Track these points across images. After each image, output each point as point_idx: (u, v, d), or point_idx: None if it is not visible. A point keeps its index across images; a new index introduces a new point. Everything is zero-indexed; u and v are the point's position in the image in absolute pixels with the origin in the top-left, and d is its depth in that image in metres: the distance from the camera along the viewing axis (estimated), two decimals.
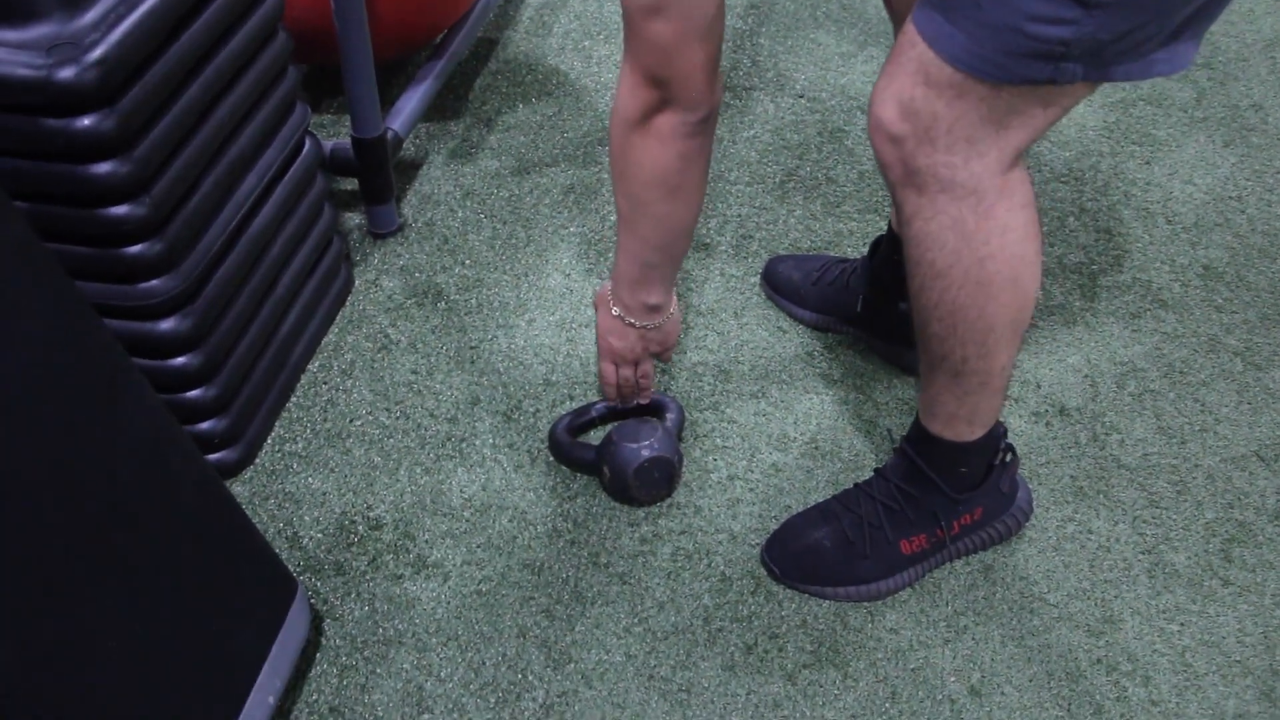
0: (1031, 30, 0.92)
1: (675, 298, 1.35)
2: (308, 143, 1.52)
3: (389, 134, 1.70)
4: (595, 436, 1.47)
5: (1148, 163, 1.90)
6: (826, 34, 2.18)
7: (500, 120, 1.97)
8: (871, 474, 1.34)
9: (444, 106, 2.00)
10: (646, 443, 1.36)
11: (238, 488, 1.40)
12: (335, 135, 1.93)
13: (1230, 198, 1.84)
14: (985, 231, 1.05)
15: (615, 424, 1.43)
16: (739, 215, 1.79)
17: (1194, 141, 1.95)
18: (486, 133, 1.94)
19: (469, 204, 1.80)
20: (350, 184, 1.83)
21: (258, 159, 1.42)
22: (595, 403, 1.48)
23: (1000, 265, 1.06)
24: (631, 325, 1.32)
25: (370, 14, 1.74)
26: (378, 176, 1.70)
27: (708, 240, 1.74)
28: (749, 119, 1.97)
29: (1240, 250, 1.75)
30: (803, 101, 2.01)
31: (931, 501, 1.27)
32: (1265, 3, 2.27)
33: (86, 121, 1.12)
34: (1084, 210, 1.81)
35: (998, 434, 1.25)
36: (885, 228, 1.51)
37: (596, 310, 1.36)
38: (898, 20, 1.33)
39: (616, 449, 1.36)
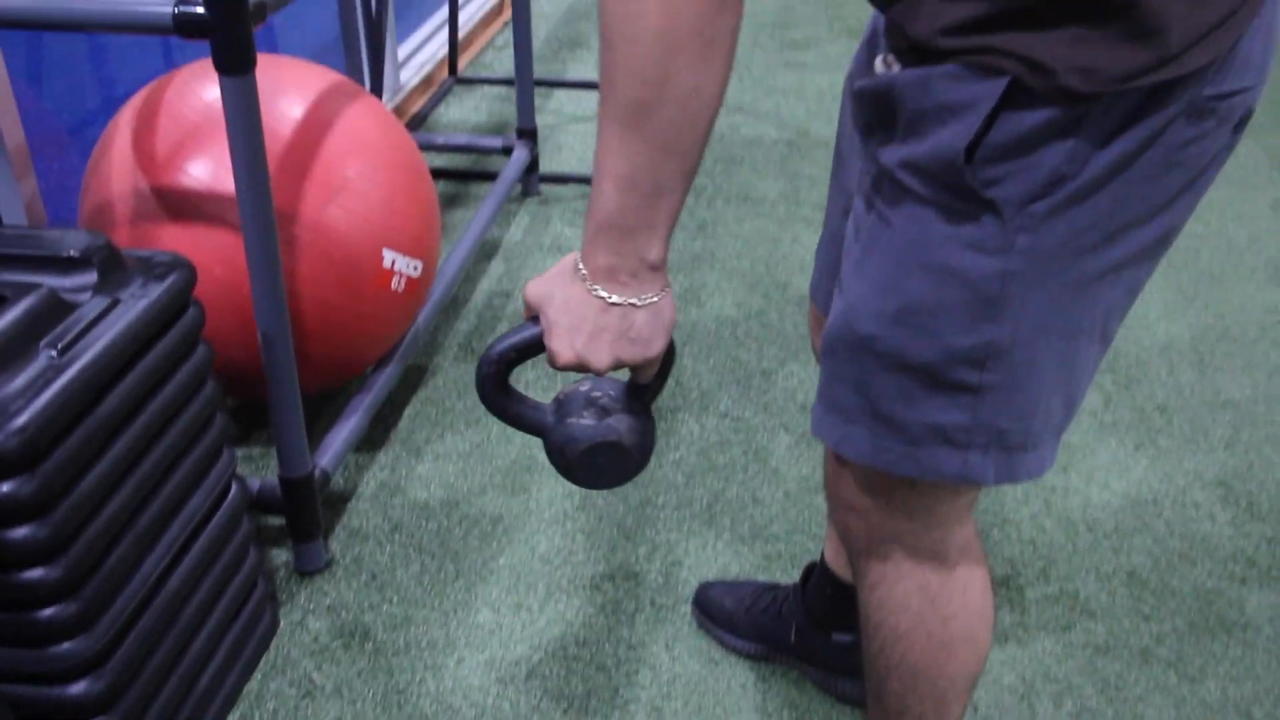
0: (926, 418, 0.95)
1: None
2: (234, 487, 1.52)
3: (317, 472, 1.71)
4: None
5: (1065, 469, 1.95)
6: (747, 352, 2.25)
7: (429, 449, 1.99)
8: None
9: (373, 437, 2.02)
10: (599, 421, 1.01)
11: None
12: (264, 468, 1.94)
13: (1146, 501, 1.89)
14: (949, 591, 1.06)
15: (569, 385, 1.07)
16: (668, 541, 1.79)
17: (1106, 446, 2.01)
18: (415, 463, 1.96)
19: (397, 537, 1.80)
20: (279, 517, 1.82)
21: (182, 508, 1.41)
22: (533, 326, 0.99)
23: (962, 623, 1.07)
24: (611, 304, 0.90)
25: (298, 352, 1.78)
26: (305, 515, 1.70)
27: (635, 569, 1.74)
28: (675, 440, 2.01)
29: (1161, 556, 1.78)
30: (727, 421, 2.06)
31: None
32: (1159, 308, 2.40)
33: (4, 488, 1.12)
34: (1007, 521, 1.84)
35: None
36: (816, 551, 1.53)
37: (542, 296, 0.93)
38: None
39: (561, 424, 1.02)
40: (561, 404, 1.02)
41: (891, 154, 0.93)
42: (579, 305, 0.90)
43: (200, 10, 1.35)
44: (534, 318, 0.95)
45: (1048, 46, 0.82)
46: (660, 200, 0.87)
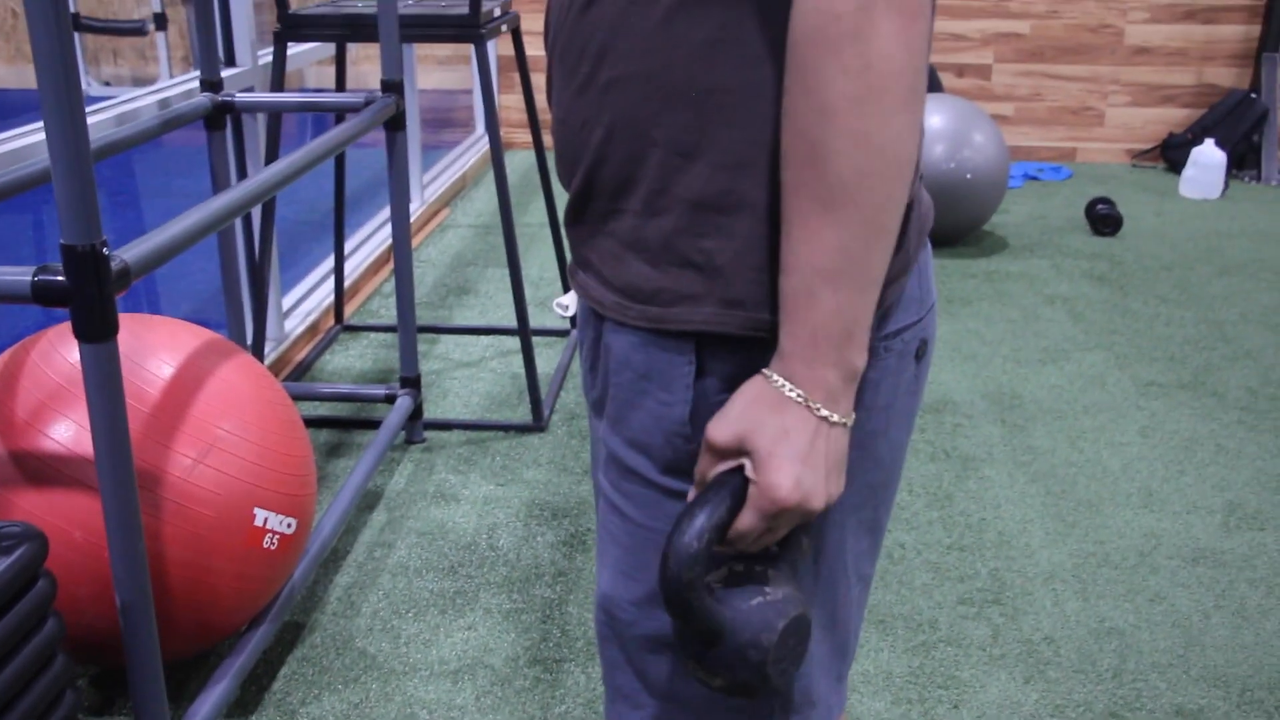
0: (705, 691, 0.94)
1: None
2: None
3: None
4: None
5: (955, 706, 1.93)
6: None
7: (304, 711, 1.90)
8: None
9: (245, 701, 1.92)
10: (776, 592, 0.83)
11: None
12: None
13: None
14: None
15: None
16: None
17: (996, 681, 1.99)
18: None
19: None
20: None
21: None
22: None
23: None
24: (833, 424, 0.81)
25: (163, 616, 1.71)
26: None
27: None
28: (560, 693, 1.95)
29: None
30: None
31: None
32: (1040, 536, 2.43)
33: None
34: None
35: None
36: None
37: (748, 429, 0.81)
38: None
39: (748, 611, 0.82)
40: (718, 592, 0.83)
41: (612, 434, 0.95)
42: (799, 429, 0.80)
43: (60, 279, 1.34)
44: (719, 475, 0.82)
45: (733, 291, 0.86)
46: (873, 294, 0.80)
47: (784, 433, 0.80)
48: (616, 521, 0.96)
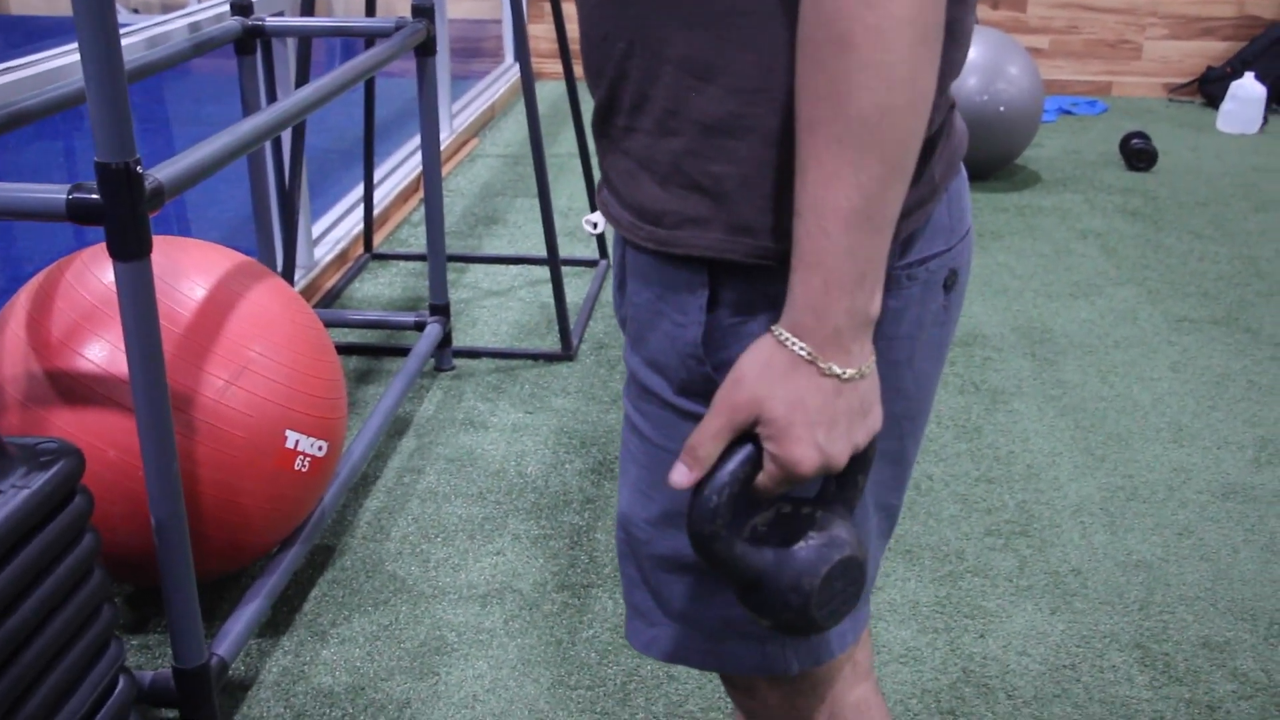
0: (717, 613, 0.95)
1: None
2: (121, 681, 1.45)
3: (213, 661, 1.64)
4: None
5: (982, 635, 1.94)
6: None
7: (335, 633, 1.93)
8: None
9: (276, 621, 1.95)
10: (824, 536, 0.83)
11: None
12: (161, 656, 1.86)
13: (1064, 666, 1.87)
14: None
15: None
16: None
17: (1022, 611, 2.00)
18: (320, 647, 1.89)
19: None
20: (173, 711, 1.73)
21: (63, 705, 1.34)
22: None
23: None
24: (844, 380, 0.78)
25: (196, 535, 1.73)
26: (199, 709, 1.62)
27: None
28: (588, 617, 1.97)
29: None
30: None
31: None
32: (1069, 469, 2.42)
33: None
34: (925, 691, 1.81)
35: None
36: None
37: (757, 401, 0.79)
38: None
39: (788, 557, 0.82)
40: (763, 534, 0.83)
41: (633, 354, 0.96)
42: (812, 394, 0.77)
43: (94, 197, 1.34)
44: (739, 437, 0.80)
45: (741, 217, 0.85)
46: (888, 235, 0.77)
47: (799, 401, 0.78)
48: (635, 441, 0.96)
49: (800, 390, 0.78)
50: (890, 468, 0.97)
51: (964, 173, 0.95)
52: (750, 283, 0.86)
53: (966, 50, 0.86)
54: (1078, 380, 2.81)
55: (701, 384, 0.89)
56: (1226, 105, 5.03)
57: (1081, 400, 2.72)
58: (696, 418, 0.90)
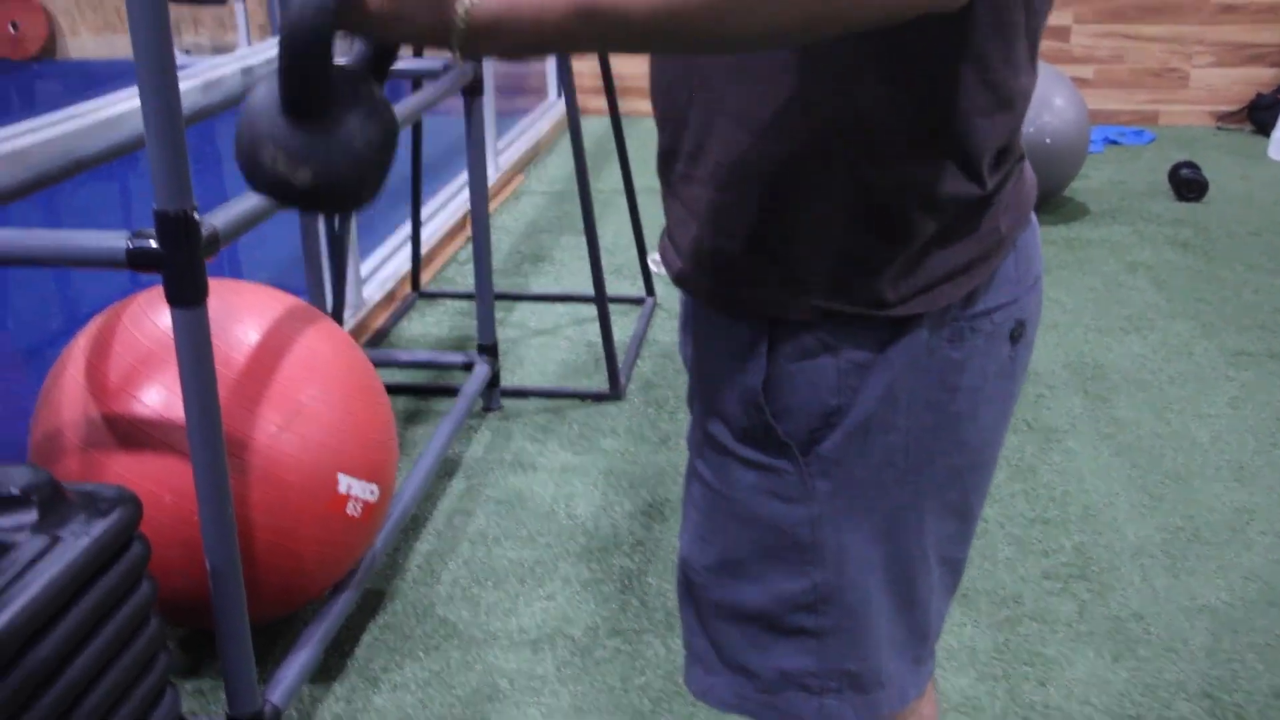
0: (775, 664, 0.94)
1: None
2: None
3: (267, 709, 1.63)
4: None
5: (1042, 683, 1.90)
6: None
7: (386, 679, 1.91)
8: None
9: (329, 667, 1.94)
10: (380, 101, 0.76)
11: None
12: (215, 701, 1.85)
13: (1129, 716, 1.83)
14: None
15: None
16: None
17: (1083, 658, 1.96)
18: (372, 694, 1.88)
19: None
20: None
21: None
22: None
23: None
24: None
25: (250, 581, 1.73)
26: None
27: None
28: (640, 664, 1.94)
29: None
30: None
31: None
32: (1127, 510, 2.38)
33: None
34: None
35: None
36: None
37: None
38: None
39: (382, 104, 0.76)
40: (347, 88, 0.74)
41: (695, 400, 0.96)
42: None
43: (153, 244, 1.35)
44: None
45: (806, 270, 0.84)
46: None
47: None
48: (696, 485, 0.97)
49: None
50: (954, 521, 0.95)
51: (1035, 222, 0.93)
52: (809, 331, 0.85)
53: (1018, 114, 0.85)
54: (1133, 417, 2.77)
55: (762, 432, 0.89)
56: (1278, 133, 4.96)
57: (1138, 438, 2.67)
58: (757, 466, 0.90)
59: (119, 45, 8.78)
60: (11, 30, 8.76)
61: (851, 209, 0.82)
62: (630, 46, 0.69)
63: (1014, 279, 0.90)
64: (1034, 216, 0.94)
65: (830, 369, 0.85)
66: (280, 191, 0.76)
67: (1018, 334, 0.91)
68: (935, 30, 0.75)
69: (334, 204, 0.76)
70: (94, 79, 7.86)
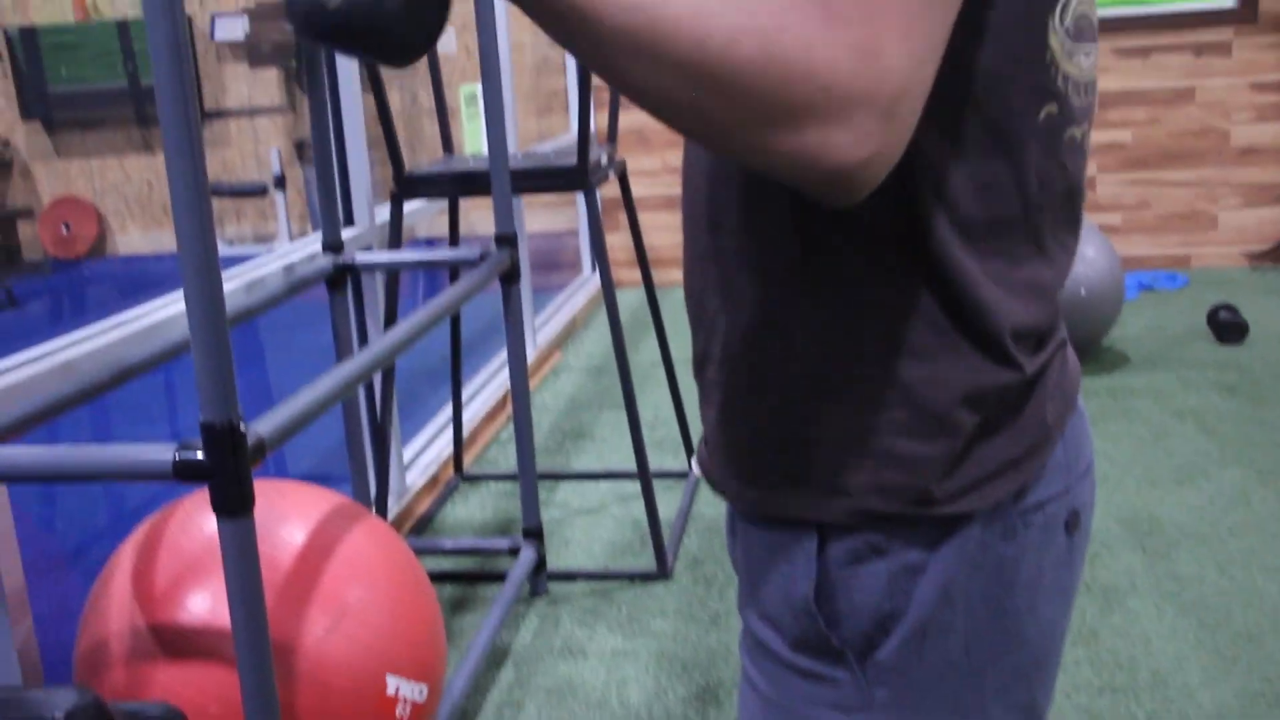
0: None
1: None
2: None
3: None
4: None
5: None
6: None
7: None
8: None
9: None
10: None
11: None
12: None
13: None
14: None
15: None
16: None
17: None
18: None
19: None
20: None
21: None
22: None
23: None
24: None
25: None
26: None
27: None
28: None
29: None
30: None
31: None
32: (1199, 674, 2.30)
33: None
34: None
35: None
36: None
37: None
38: None
39: None
40: None
41: (746, 606, 0.93)
42: None
43: (199, 456, 1.36)
44: None
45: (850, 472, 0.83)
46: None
47: None
48: (750, 694, 0.94)
49: None
50: (1023, 718, 0.92)
51: (1082, 408, 0.92)
52: (855, 534, 0.84)
53: (1051, 304, 0.85)
54: (1194, 573, 2.70)
55: (815, 639, 0.87)
56: None
57: (1202, 595, 2.60)
58: (813, 676, 0.87)
59: (165, 240, 9.07)
60: (64, 230, 9.08)
61: (885, 406, 0.81)
62: (581, 56, 0.69)
63: (1064, 466, 0.88)
64: (1081, 403, 0.93)
65: (882, 572, 0.83)
66: (311, 19, 0.72)
67: (1073, 524, 0.89)
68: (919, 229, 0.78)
69: (367, 38, 0.72)
70: (140, 278, 8.08)
